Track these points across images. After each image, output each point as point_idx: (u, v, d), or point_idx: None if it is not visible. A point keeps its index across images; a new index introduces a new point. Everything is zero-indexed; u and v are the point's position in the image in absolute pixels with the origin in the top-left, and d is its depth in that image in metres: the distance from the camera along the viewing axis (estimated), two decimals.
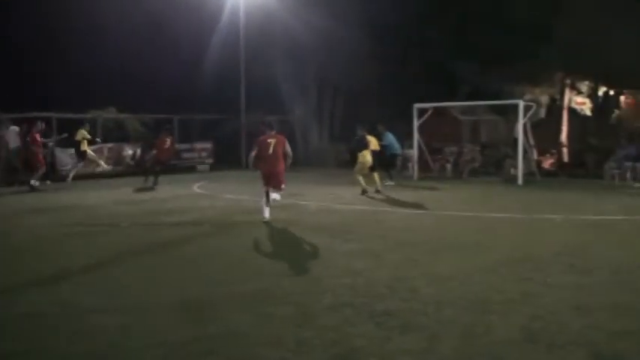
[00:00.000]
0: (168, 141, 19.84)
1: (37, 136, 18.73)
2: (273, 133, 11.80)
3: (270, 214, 11.40)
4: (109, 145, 23.39)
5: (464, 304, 5.85)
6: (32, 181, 18.03)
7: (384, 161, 18.84)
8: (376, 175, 16.13)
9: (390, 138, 19.05)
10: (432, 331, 5.11)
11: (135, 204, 14.45)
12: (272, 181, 11.39)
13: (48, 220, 11.93)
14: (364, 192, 15.47)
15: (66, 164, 21.67)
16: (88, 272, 7.47)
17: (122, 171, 23.10)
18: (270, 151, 11.32)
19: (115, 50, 29.38)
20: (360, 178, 15.66)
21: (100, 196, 16.39)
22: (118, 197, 15.84)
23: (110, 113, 24.80)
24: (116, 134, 25.11)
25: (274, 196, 11.38)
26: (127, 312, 5.87)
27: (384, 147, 18.45)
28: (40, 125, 19.02)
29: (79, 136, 20.40)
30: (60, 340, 5.14)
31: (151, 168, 19.48)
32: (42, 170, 18.67)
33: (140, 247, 9.03)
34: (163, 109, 25.51)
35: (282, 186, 11.56)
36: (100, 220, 11.82)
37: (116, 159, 23.49)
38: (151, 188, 18.25)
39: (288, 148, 11.64)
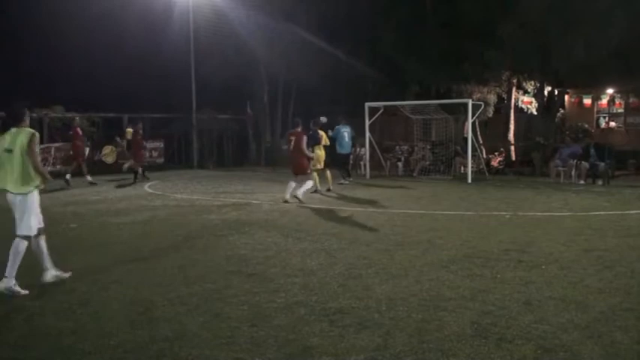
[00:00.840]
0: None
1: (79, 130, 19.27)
2: (297, 130, 14.25)
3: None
4: (57, 144, 22.85)
5: (416, 301, 5.93)
6: (67, 176, 18.68)
7: (338, 160, 18.94)
8: (329, 173, 16.20)
9: (340, 133, 18.88)
10: (386, 329, 5.16)
11: (84, 204, 14.17)
12: (295, 169, 14.22)
13: None
14: (316, 190, 15.51)
15: None
16: (34, 275, 7.29)
17: (71, 171, 22.56)
18: (291, 146, 14.08)
19: (61, 48, 28.75)
20: (315, 176, 15.70)
21: (47, 196, 15.99)
22: (67, 198, 15.51)
23: (57, 112, 24.25)
24: (64, 134, 24.54)
25: (309, 182, 14.25)
26: (78, 315, 5.77)
27: (333, 139, 18.48)
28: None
29: (128, 135, 20.31)
30: (7, 345, 5.02)
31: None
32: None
33: (90, 249, 8.86)
34: (112, 107, 25.07)
35: (308, 171, 14.20)
36: (48, 221, 11.53)
37: (64, 159, 22.93)
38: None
39: (303, 145, 14.01)
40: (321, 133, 16.33)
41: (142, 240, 9.58)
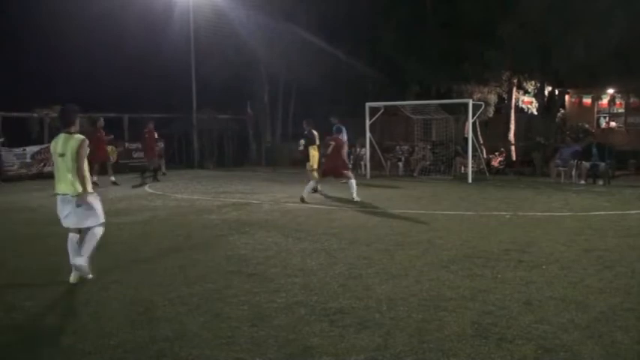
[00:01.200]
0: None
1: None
2: (338, 136, 14.73)
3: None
4: None
5: (417, 301, 5.93)
6: (112, 178, 18.84)
7: None
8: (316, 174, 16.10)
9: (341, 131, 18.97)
10: (386, 329, 5.16)
11: None
12: (333, 173, 14.49)
13: None
14: (315, 190, 15.50)
15: (12, 164, 21.16)
16: (36, 276, 7.31)
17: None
18: (329, 150, 14.22)
19: (61, 48, 28.75)
20: (315, 175, 15.69)
21: (46, 196, 16.00)
22: None
23: (57, 112, 24.20)
24: None
25: (352, 182, 14.17)
26: (78, 315, 5.77)
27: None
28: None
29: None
30: (7, 345, 5.02)
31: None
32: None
33: None
34: (112, 107, 25.03)
35: (344, 172, 14.35)
36: (48, 222, 11.55)
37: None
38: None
39: (344, 151, 14.73)
40: (315, 133, 16.28)
41: (142, 240, 9.58)
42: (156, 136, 20.11)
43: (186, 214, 12.39)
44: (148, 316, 5.65)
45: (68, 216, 6.89)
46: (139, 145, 23.82)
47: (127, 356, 4.71)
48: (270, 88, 28.85)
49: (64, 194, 6.85)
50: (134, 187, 18.19)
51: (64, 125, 7.01)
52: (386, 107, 22.06)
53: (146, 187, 17.84)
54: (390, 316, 5.49)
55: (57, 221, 6.60)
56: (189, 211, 12.80)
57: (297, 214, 12.09)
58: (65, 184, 6.82)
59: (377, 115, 21.54)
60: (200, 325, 5.36)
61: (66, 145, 6.80)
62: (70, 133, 6.91)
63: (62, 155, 6.80)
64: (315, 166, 15.85)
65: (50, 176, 19.77)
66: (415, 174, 21.14)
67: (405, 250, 8.43)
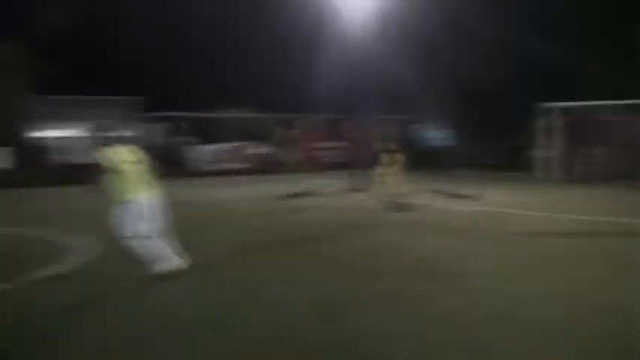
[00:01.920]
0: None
1: None
2: None
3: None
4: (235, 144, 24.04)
5: None
6: None
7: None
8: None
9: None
10: None
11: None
12: None
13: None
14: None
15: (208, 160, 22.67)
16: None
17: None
18: None
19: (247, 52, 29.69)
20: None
21: (231, 192, 16.38)
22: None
23: (247, 113, 25.07)
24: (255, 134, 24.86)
25: None
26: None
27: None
28: None
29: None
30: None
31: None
32: None
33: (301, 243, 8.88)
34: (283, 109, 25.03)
35: None
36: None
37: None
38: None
39: None
40: None
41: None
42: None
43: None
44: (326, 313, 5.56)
45: (150, 222, 6.72)
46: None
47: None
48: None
49: (148, 199, 6.72)
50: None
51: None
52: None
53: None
54: None
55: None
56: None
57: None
58: (144, 189, 6.72)
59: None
60: (387, 321, 5.19)
61: (135, 154, 6.82)
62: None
63: (138, 162, 6.79)
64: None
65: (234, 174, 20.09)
66: None
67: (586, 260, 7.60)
